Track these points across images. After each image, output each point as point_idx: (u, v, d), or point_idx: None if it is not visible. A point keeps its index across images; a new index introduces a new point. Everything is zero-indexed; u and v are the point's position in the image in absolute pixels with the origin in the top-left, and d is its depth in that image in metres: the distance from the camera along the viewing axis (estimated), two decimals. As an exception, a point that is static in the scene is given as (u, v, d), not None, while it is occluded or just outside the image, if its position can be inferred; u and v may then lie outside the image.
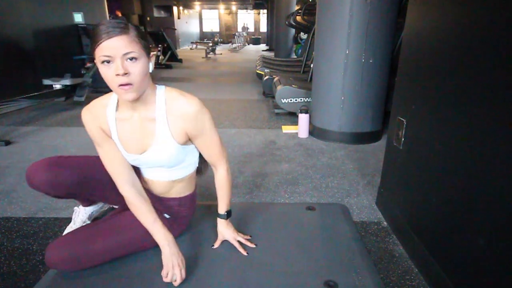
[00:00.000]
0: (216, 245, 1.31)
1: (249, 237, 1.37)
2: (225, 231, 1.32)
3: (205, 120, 1.10)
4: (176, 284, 1.10)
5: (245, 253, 1.27)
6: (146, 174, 1.22)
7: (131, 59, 0.91)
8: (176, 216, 1.30)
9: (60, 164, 1.17)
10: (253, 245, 1.32)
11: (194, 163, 1.27)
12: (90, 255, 1.13)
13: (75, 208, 1.48)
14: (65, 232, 1.46)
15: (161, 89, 1.06)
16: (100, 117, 1.09)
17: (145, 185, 1.24)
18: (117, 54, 0.88)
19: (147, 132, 1.07)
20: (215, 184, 1.27)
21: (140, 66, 0.93)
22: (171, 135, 1.07)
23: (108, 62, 0.89)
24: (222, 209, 1.30)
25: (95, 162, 1.21)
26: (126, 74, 0.90)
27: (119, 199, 1.18)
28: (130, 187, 1.13)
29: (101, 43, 0.87)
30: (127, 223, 1.19)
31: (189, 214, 1.36)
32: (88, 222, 1.47)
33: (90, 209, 1.48)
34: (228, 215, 1.31)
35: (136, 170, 1.21)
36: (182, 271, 1.11)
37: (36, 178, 1.13)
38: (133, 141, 1.09)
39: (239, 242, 1.32)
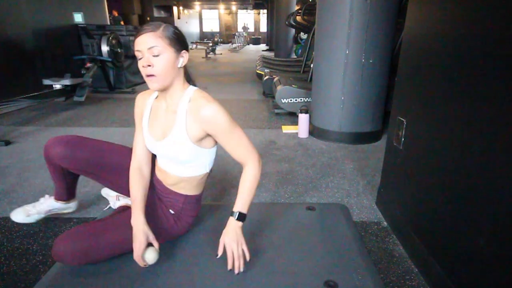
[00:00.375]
0: (219, 251, 1.16)
1: (247, 254, 1.19)
2: (229, 234, 1.16)
3: (222, 123, 1.11)
4: (146, 260, 1.13)
5: (235, 270, 1.14)
6: (161, 163, 1.28)
7: (155, 54, 1.03)
8: (179, 213, 1.30)
9: (77, 142, 1.30)
10: (247, 257, 1.18)
11: (204, 167, 1.25)
12: (98, 249, 1.14)
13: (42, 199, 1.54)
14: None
15: (191, 89, 1.16)
16: (144, 102, 1.26)
17: (159, 173, 1.31)
18: (144, 49, 1.04)
19: (169, 122, 1.16)
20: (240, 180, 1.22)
21: (163, 60, 1.04)
22: (186, 130, 1.13)
23: (140, 56, 1.05)
24: (236, 206, 1.18)
25: (109, 147, 1.35)
26: (149, 66, 1.04)
27: (124, 185, 1.26)
28: (137, 166, 1.26)
29: (135, 40, 1.06)
30: None
31: (192, 215, 1.35)
32: (43, 216, 1.52)
33: (55, 205, 1.53)
34: (240, 217, 1.16)
35: (154, 159, 1.33)
36: (147, 252, 1.14)
37: (53, 150, 1.27)
38: (157, 127, 1.20)
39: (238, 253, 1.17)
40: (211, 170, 1.30)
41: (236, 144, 1.16)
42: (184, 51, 1.10)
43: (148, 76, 1.06)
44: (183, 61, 1.11)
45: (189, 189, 1.28)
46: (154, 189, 1.31)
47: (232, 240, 1.14)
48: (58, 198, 1.50)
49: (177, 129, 1.13)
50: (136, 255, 1.10)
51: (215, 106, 1.09)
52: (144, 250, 1.12)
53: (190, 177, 1.25)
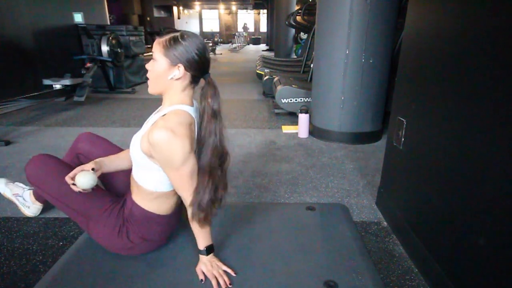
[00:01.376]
0: (201, 277, 1.14)
1: (229, 271, 1.18)
2: (205, 263, 1.16)
3: (164, 154, 1.03)
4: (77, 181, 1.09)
5: (222, 286, 1.12)
6: None
7: (153, 58, 1.07)
8: (126, 220, 1.20)
9: (96, 138, 1.41)
10: (233, 274, 1.17)
11: (151, 183, 1.15)
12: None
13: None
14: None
15: (176, 107, 1.10)
16: None
17: None
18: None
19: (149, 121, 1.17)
20: None
21: (155, 66, 1.07)
22: (141, 137, 1.11)
23: None
24: (200, 245, 1.15)
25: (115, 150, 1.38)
26: (147, 68, 1.09)
27: (117, 186, 1.34)
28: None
29: None
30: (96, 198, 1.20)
31: (139, 234, 1.20)
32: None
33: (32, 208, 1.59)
34: (209, 251, 1.16)
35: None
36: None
37: (81, 145, 1.39)
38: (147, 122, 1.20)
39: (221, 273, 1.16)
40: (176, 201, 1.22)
41: (174, 180, 1.09)
42: (180, 64, 1.04)
43: (147, 77, 1.12)
44: (177, 75, 1.06)
45: (139, 198, 1.18)
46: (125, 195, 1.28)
47: (207, 266, 1.15)
48: (38, 197, 1.59)
49: (142, 130, 1.14)
50: (68, 174, 1.10)
51: (165, 135, 0.99)
52: (81, 173, 1.09)
53: (139, 184, 1.17)
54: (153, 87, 1.11)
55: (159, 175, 1.12)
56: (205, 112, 1.09)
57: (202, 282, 1.13)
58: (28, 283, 1.19)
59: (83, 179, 1.07)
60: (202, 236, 1.15)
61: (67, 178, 1.10)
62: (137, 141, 1.12)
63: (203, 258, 1.17)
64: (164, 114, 1.08)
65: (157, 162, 1.08)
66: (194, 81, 1.11)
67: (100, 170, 1.16)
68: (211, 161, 1.11)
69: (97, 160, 1.19)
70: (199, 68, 1.08)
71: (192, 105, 1.14)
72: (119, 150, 1.37)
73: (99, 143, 1.40)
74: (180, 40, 1.03)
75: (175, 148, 1.01)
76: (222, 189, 1.19)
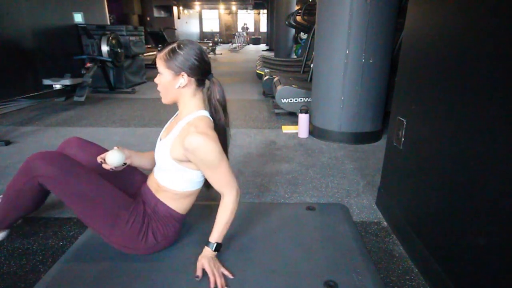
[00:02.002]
0: (199, 273, 1.15)
1: (227, 273, 1.18)
2: (206, 257, 1.17)
3: (204, 157, 1.12)
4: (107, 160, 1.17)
5: None
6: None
7: (159, 71, 1.15)
8: (150, 216, 1.23)
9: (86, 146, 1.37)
10: (230, 276, 1.17)
11: (181, 184, 1.22)
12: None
13: None
14: None
15: (198, 112, 1.20)
16: None
17: (150, 175, 1.34)
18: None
19: (171, 128, 1.22)
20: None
21: (162, 79, 1.15)
22: (170, 146, 1.17)
23: None
24: (213, 237, 1.19)
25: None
26: (156, 82, 1.18)
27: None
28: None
29: None
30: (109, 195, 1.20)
31: (163, 230, 1.24)
32: None
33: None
34: (217, 248, 1.19)
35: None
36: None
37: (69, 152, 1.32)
38: (167, 128, 1.29)
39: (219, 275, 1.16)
40: (197, 193, 1.29)
41: (216, 177, 1.16)
42: (183, 73, 1.12)
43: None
44: (183, 83, 1.14)
45: (163, 196, 1.24)
46: (140, 194, 1.30)
47: (210, 263, 1.16)
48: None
49: (169, 139, 1.18)
50: (100, 156, 1.18)
51: (202, 139, 1.08)
52: (111, 152, 1.17)
53: (166, 187, 1.22)
54: (165, 98, 1.20)
55: (191, 175, 1.20)
56: (217, 110, 1.23)
57: (198, 279, 1.13)
58: (28, 283, 1.19)
59: (114, 156, 1.16)
60: (221, 230, 1.19)
61: (99, 158, 1.16)
62: (165, 149, 1.18)
63: (207, 252, 1.18)
64: (189, 121, 1.16)
65: (192, 166, 1.17)
66: (200, 84, 1.19)
67: (130, 159, 1.26)
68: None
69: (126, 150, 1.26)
70: (201, 71, 1.16)
71: (206, 108, 1.23)
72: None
73: (87, 147, 1.35)
74: (178, 50, 1.11)
75: (211, 149, 1.10)
76: None
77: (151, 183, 1.29)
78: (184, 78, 1.13)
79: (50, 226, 1.56)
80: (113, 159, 1.16)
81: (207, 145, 1.09)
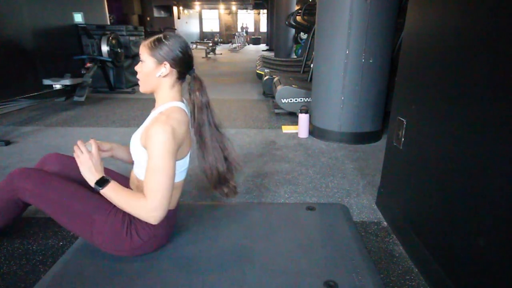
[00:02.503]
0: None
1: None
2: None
3: (152, 145, 1.07)
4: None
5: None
6: None
7: (141, 60, 1.15)
8: (131, 219, 1.20)
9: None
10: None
11: None
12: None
13: None
14: None
15: (172, 103, 1.18)
16: None
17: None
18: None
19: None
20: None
21: (144, 67, 1.15)
22: (140, 133, 1.17)
23: None
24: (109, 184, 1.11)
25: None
26: (136, 70, 1.18)
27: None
28: None
29: None
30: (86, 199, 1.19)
31: (146, 229, 1.19)
32: None
33: None
34: (100, 182, 1.11)
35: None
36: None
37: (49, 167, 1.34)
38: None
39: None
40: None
41: (149, 177, 1.08)
42: (166, 62, 1.13)
43: (137, 78, 1.20)
44: (164, 72, 1.14)
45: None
46: None
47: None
48: None
49: (140, 129, 1.19)
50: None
51: (162, 129, 1.06)
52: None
53: (141, 180, 1.19)
54: (143, 86, 1.19)
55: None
56: (195, 105, 1.21)
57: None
58: (28, 283, 1.19)
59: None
60: (119, 195, 1.11)
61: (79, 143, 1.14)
62: (137, 138, 1.17)
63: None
64: (161, 111, 1.15)
65: None
66: (180, 77, 1.20)
67: (111, 151, 1.28)
68: (215, 155, 1.25)
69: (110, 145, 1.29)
70: (183, 64, 1.17)
71: (183, 101, 1.23)
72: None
73: (67, 162, 1.35)
74: (163, 40, 1.13)
75: (162, 143, 1.06)
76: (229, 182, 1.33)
77: (132, 181, 1.29)
78: (166, 68, 1.14)
79: (50, 226, 1.56)
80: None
81: (162, 136, 1.05)
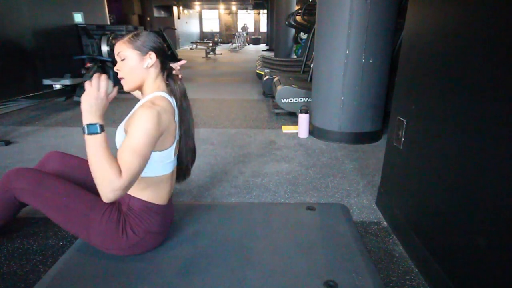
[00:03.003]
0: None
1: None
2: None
3: (135, 124, 1.05)
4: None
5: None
6: None
7: (122, 58, 1.15)
8: (126, 214, 1.20)
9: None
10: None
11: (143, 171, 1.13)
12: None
13: None
14: None
15: (159, 93, 1.18)
16: None
17: None
18: (116, 56, 1.16)
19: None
20: None
21: (127, 63, 1.15)
22: (125, 120, 1.17)
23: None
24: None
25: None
26: (118, 70, 1.16)
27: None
28: None
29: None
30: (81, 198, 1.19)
31: (141, 225, 1.19)
32: None
33: None
34: (91, 129, 1.05)
35: None
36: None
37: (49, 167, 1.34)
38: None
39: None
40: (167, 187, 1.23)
41: (124, 151, 1.04)
42: (150, 52, 1.14)
43: (120, 78, 1.18)
44: (150, 62, 1.15)
45: (133, 190, 1.17)
46: None
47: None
48: None
49: (127, 117, 1.18)
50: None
51: (147, 112, 1.04)
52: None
53: None
54: (129, 83, 1.18)
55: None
56: (180, 92, 1.24)
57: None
58: (28, 283, 1.19)
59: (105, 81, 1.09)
60: (92, 151, 1.04)
61: (87, 83, 1.08)
62: (121, 126, 1.18)
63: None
64: (149, 99, 1.15)
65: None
66: (163, 67, 1.21)
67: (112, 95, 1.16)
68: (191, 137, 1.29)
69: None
70: (163, 53, 1.20)
71: (167, 92, 1.22)
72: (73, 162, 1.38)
73: (69, 161, 1.36)
74: (140, 34, 1.16)
75: (146, 123, 1.03)
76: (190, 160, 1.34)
77: None
78: (151, 58, 1.15)
79: (50, 226, 1.56)
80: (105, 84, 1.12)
81: (145, 118, 1.03)
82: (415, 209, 1.38)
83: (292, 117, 3.60)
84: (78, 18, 5.45)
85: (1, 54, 3.97)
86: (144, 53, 1.15)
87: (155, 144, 1.09)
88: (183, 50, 15.79)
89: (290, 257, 1.28)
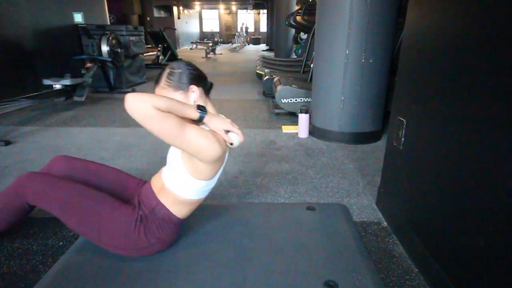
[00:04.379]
0: (228, 139, 1.13)
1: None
2: (215, 118, 1.11)
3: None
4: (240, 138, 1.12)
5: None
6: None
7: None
8: (146, 217, 1.22)
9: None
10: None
11: (183, 189, 1.18)
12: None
13: None
14: None
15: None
16: None
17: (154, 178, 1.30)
18: None
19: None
20: None
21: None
22: None
23: None
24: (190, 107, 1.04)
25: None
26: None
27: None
28: None
29: None
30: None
31: (158, 233, 1.21)
32: None
33: None
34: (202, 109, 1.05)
35: None
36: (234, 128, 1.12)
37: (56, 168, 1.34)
38: None
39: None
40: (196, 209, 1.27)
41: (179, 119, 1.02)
42: (191, 86, 1.12)
43: None
44: (196, 95, 1.12)
45: (165, 200, 1.21)
46: (138, 195, 1.29)
47: (219, 119, 1.11)
48: None
49: None
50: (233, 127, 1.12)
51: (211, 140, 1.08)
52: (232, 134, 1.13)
53: (170, 190, 1.20)
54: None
55: (192, 184, 1.17)
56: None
57: (233, 146, 1.14)
58: (28, 283, 1.20)
59: (236, 138, 1.15)
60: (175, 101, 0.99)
61: (239, 132, 1.13)
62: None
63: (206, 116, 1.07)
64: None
65: (197, 174, 1.13)
66: (206, 92, 1.19)
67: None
68: None
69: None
70: (201, 77, 1.16)
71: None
72: (100, 166, 1.39)
73: (75, 164, 1.36)
74: (173, 71, 1.12)
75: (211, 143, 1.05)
76: None
77: (155, 183, 1.28)
78: (194, 91, 1.13)
79: (50, 226, 1.56)
80: (236, 140, 1.17)
81: (211, 143, 1.05)
82: (415, 209, 1.38)
83: (292, 117, 3.60)
84: (78, 18, 5.45)
85: (1, 54, 3.97)
86: (185, 89, 1.12)
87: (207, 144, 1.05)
88: (183, 50, 15.79)
89: (290, 257, 1.28)
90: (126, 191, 1.36)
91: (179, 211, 1.24)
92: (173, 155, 1.19)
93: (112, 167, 1.40)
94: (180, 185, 1.19)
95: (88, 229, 1.19)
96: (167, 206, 1.22)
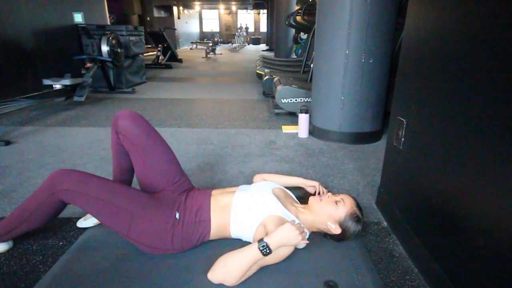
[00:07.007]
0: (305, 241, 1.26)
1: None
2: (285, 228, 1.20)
3: (286, 250, 1.25)
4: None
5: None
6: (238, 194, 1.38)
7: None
8: (183, 220, 1.28)
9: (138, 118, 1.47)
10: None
11: (237, 232, 1.32)
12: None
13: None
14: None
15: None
16: None
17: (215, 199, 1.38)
18: None
19: (286, 206, 1.42)
20: None
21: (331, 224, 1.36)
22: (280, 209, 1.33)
23: None
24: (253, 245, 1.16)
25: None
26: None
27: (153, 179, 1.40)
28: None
29: None
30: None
31: (180, 238, 1.28)
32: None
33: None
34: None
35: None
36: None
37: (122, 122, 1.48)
38: (282, 199, 1.45)
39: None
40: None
41: (255, 255, 1.15)
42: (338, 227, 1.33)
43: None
44: (333, 229, 1.33)
45: (215, 221, 1.30)
46: (190, 198, 1.35)
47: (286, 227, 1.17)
48: None
49: (278, 203, 1.33)
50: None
51: (297, 244, 1.22)
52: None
53: (229, 223, 1.30)
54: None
55: (250, 235, 1.29)
56: None
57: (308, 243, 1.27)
58: (28, 283, 1.19)
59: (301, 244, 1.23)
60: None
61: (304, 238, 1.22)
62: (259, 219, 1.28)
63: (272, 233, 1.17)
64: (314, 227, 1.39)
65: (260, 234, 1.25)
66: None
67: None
68: None
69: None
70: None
71: None
72: (157, 134, 1.47)
73: (139, 122, 1.44)
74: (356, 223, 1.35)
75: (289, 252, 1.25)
76: None
77: (217, 199, 1.34)
78: (336, 227, 1.33)
79: (50, 226, 1.55)
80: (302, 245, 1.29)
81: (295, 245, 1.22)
82: (415, 209, 1.38)
83: (292, 117, 3.60)
84: (78, 18, 5.44)
85: (1, 54, 3.97)
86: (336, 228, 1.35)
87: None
88: (183, 50, 15.78)
89: (290, 257, 1.29)
90: (170, 186, 1.39)
91: (215, 235, 1.33)
92: (255, 213, 1.28)
93: (169, 152, 1.46)
94: (240, 229, 1.30)
95: (120, 226, 1.23)
96: (213, 227, 1.29)
